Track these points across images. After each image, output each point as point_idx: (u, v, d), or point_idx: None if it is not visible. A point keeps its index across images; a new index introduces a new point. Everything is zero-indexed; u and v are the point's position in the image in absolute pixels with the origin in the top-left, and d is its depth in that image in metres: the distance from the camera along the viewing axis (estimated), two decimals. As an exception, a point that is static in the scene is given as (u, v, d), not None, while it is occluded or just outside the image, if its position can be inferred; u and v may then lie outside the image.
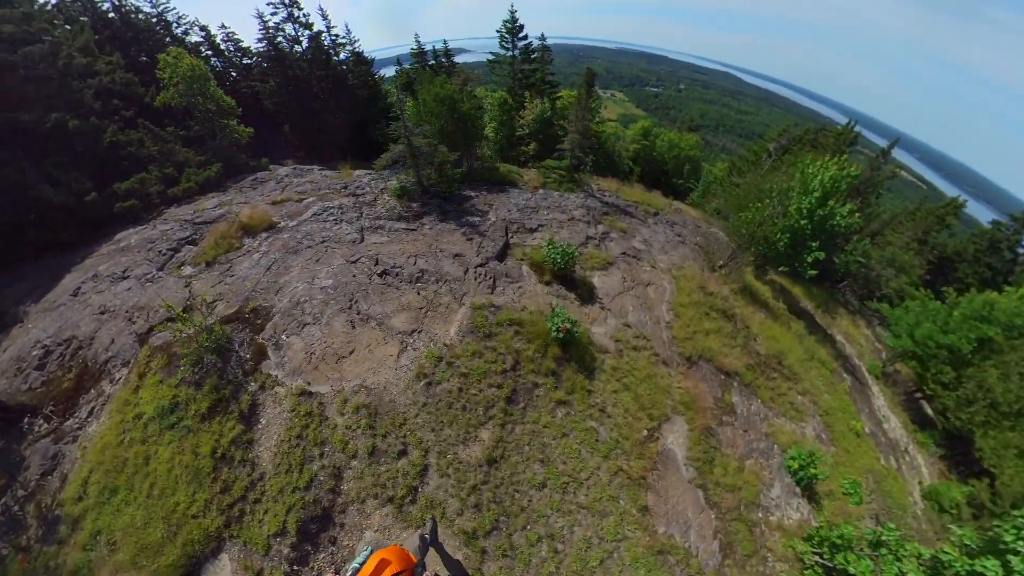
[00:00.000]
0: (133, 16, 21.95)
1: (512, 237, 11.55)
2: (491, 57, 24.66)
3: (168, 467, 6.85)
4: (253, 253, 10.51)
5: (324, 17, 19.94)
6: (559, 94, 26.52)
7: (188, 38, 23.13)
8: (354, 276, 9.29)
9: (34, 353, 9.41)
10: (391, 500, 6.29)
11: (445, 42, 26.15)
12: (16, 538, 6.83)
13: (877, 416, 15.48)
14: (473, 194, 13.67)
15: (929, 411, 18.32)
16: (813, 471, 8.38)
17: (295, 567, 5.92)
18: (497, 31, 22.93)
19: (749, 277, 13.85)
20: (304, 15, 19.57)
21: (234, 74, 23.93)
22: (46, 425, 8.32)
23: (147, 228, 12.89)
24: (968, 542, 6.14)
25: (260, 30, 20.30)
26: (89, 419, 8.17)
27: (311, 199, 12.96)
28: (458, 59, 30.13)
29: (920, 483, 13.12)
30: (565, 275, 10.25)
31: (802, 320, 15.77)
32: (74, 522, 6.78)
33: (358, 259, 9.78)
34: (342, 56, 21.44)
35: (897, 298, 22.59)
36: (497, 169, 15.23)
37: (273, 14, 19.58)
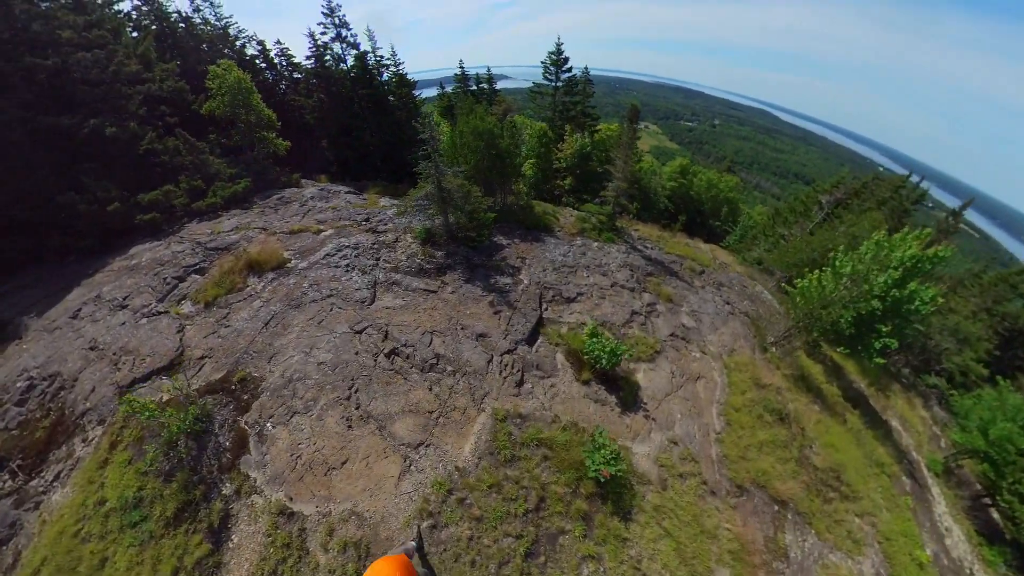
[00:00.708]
0: (199, 29, 22.00)
1: (546, 309, 9.79)
2: (533, 87, 23.35)
3: (124, 581, 5.36)
4: (255, 299, 9.20)
5: (371, 38, 19.28)
6: (598, 127, 25.01)
7: (246, 51, 23.00)
8: (357, 354, 7.71)
9: (19, 385, 8.35)
10: None
11: (488, 68, 25.13)
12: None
13: (939, 529, 12.67)
14: (505, 242, 11.92)
15: (998, 519, 15.17)
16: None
17: None
18: (542, 62, 21.68)
19: (803, 359, 11.63)
20: (352, 35, 18.91)
21: (283, 87, 23.63)
22: (11, 482, 7.19)
23: (162, 246, 11.95)
24: None
25: (310, 47, 19.84)
26: (55, 484, 7.01)
27: (329, 232, 11.68)
28: (499, 85, 29.19)
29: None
30: (607, 372, 8.36)
31: (858, 409, 13.31)
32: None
33: (365, 328, 8.20)
34: (384, 76, 20.61)
35: (959, 374, 19.33)
36: (532, 209, 13.53)
37: (323, 33, 19.06)
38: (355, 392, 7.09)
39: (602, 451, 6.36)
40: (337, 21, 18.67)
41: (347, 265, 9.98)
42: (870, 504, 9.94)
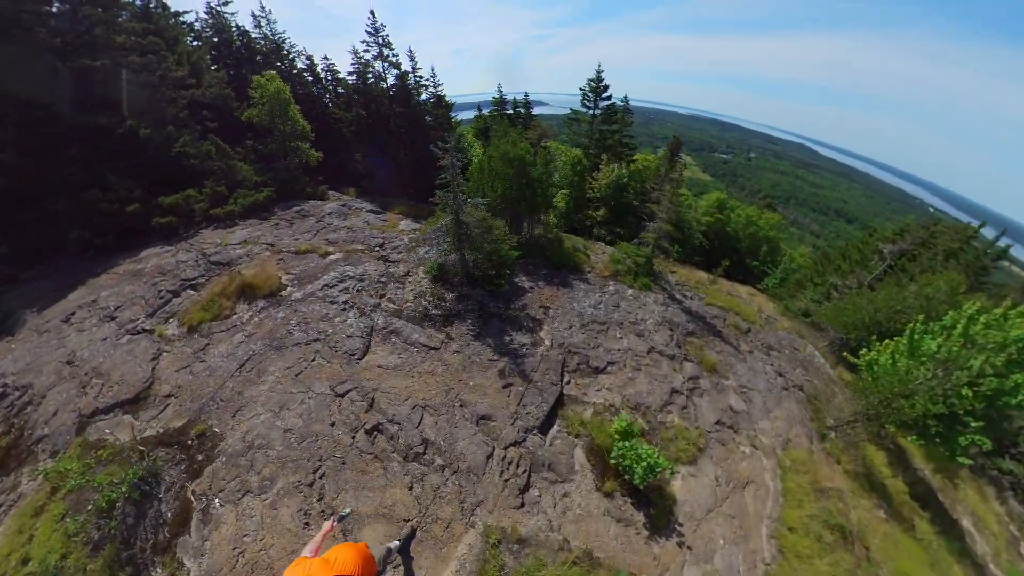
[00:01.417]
0: (256, 43, 22.37)
1: (568, 382, 7.71)
2: (570, 113, 22.15)
3: None
4: (238, 332, 8.00)
5: (411, 59, 18.78)
6: (634, 157, 23.48)
7: (296, 64, 23.18)
8: (333, 425, 6.22)
9: (-7, 391, 7.51)
10: None
11: (526, 93, 24.22)
12: None
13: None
14: (528, 284, 10.14)
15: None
16: None
17: None
18: (580, 89, 20.48)
19: (867, 448, 9.34)
20: (394, 55, 18.44)
21: (327, 101, 23.56)
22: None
23: (170, 252, 11.20)
24: None
25: (352, 64, 19.53)
26: (-8, 521, 5.90)
27: (336, 255, 10.52)
28: (536, 111, 28.33)
29: None
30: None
31: (927, 511, 10.77)
32: None
33: (348, 391, 6.69)
34: (423, 97, 20.00)
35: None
36: (561, 243, 11.89)
37: (366, 51, 18.73)
38: (321, 478, 5.56)
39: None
40: (380, 40, 18.29)
41: (345, 302, 8.59)
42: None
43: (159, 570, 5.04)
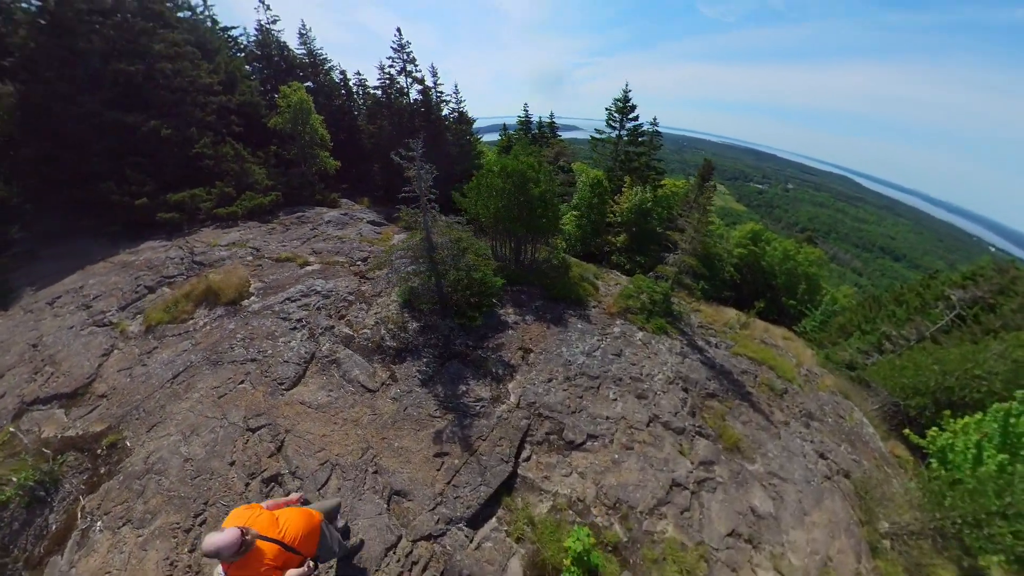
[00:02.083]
0: (297, 58, 22.94)
1: (529, 458, 5.62)
2: (595, 133, 20.83)
3: None
4: (186, 338, 7.26)
5: (434, 75, 18.36)
6: (662, 182, 21.74)
7: (331, 76, 23.50)
8: (232, 464, 5.11)
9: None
10: None
11: (552, 114, 23.23)
12: None
13: None
14: (513, 318, 8.28)
15: None
16: None
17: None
18: (606, 108, 19.17)
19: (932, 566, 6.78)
20: (417, 70, 18.09)
21: (356, 113, 23.65)
22: None
23: (165, 247, 10.95)
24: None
25: (379, 78, 19.37)
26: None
27: (314, 267, 9.63)
28: (568, 135, 27.42)
29: None
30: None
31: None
32: None
33: (260, 428, 5.57)
34: (444, 112, 19.43)
35: None
36: (566, 271, 10.15)
37: (391, 66, 18.47)
38: (200, 524, 4.55)
39: None
40: (405, 56, 18.02)
41: (299, 320, 7.51)
42: None
43: (23, 590, 4.03)
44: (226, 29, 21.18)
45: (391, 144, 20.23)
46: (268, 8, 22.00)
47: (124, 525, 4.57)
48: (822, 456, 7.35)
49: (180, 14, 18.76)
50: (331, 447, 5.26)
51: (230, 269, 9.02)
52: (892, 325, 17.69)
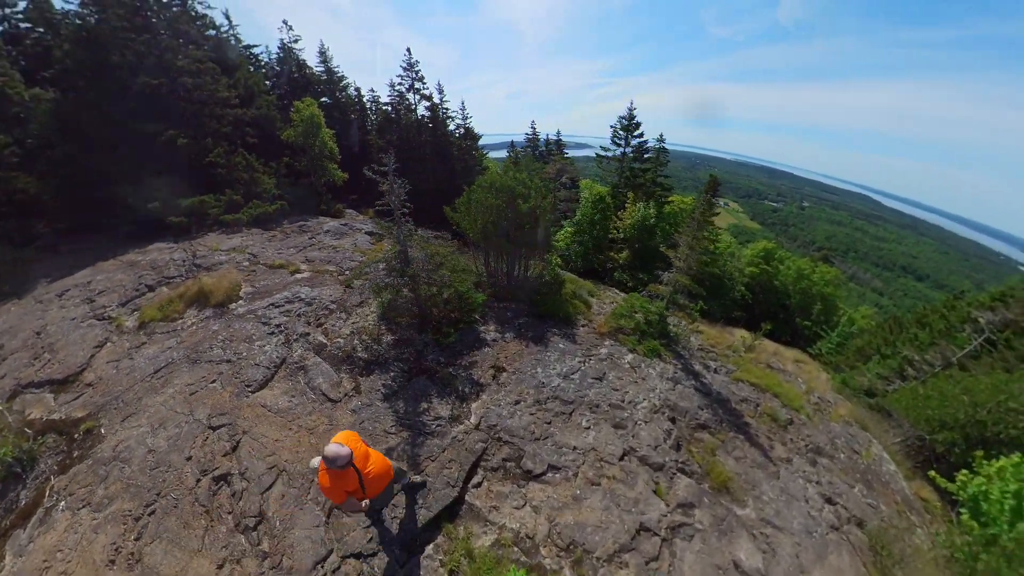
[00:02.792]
0: (314, 75, 23.60)
1: (479, 484, 5.11)
2: (599, 150, 20.47)
3: None
4: (174, 336, 7.41)
5: (440, 92, 18.62)
6: (669, 199, 21.11)
7: (347, 91, 24.04)
8: (189, 459, 5.04)
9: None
10: None
11: (558, 131, 23.08)
12: None
13: None
14: (492, 335, 7.78)
15: None
16: None
17: None
18: (611, 125, 18.85)
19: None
20: (425, 88, 18.32)
21: (369, 128, 24.04)
22: None
23: (171, 249, 11.25)
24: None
25: (389, 95, 19.72)
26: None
27: (304, 274, 9.61)
28: (578, 152, 27.26)
29: None
30: None
31: None
32: None
33: (221, 426, 5.51)
34: (451, 127, 19.52)
35: None
36: (559, 288, 9.60)
37: (400, 83, 18.81)
38: (150, 515, 4.49)
39: None
40: (414, 75, 18.27)
41: (278, 325, 7.44)
42: None
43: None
44: (249, 47, 22.06)
45: (398, 158, 20.49)
46: (290, 28, 22.94)
47: (83, 507, 4.63)
48: (829, 501, 6.45)
49: (209, 32, 19.62)
50: (282, 452, 5.10)
51: (223, 273, 9.17)
52: (914, 349, 16.23)
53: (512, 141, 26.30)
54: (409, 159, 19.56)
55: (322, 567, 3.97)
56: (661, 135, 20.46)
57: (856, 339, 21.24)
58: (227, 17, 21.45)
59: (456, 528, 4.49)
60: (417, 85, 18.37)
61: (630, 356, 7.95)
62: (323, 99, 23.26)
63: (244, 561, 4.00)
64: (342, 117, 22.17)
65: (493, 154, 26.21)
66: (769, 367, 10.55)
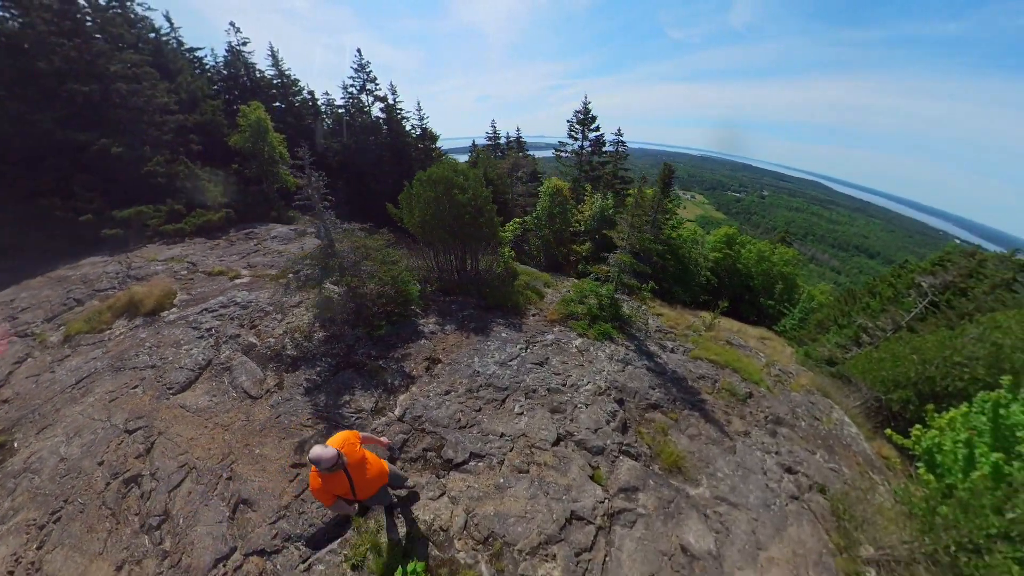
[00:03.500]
0: (266, 79, 22.33)
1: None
2: (557, 144, 20.21)
3: None
4: (99, 347, 7.00)
5: (393, 92, 17.94)
6: (630, 191, 21.06)
7: (301, 96, 22.84)
8: (101, 464, 4.82)
9: None
10: None
11: (518, 129, 22.73)
12: None
13: None
14: (431, 328, 7.42)
15: None
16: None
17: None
18: (568, 120, 18.60)
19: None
20: (378, 89, 17.52)
21: (323, 131, 22.91)
22: None
23: (106, 262, 10.52)
24: None
25: (342, 97, 18.83)
26: None
27: (244, 279, 9.21)
28: (543, 153, 26.90)
29: None
30: None
31: None
32: None
33: (137, 429, 5.19)
34: (407, 127, 18.78)
35: None
36: (511, 279, 9.18)
37: (352, 85, 17.92)
38: (56, 522, 4.24)
39: None
40: (365, 75, 17.45)
41: (209, 329, 7.11)
42: None
43: None
44: (192, 50, 20.67)
45: (355, 161, 19.56)
46: (238, 30, 21.67)
47: (-23, 522, 4.29)
48: (789, 470, 6.18)
49: (149, 35, 18.22)
50: (195, 450, 4.91)
51: (155, 282, 8.82)
52: (868, 317, 16.73)
53: (474, 141, 25.77)
54: (364, 161, 18.73)
55: (224, 565, 3.78)
56: (619, 129, 20.49)
57: (816, 314, 21.81)
58: (168, 19, 20.12)
59: (367, 522, 4.17)
60: (370, 86, 17.62)
61: (579, 340, 7.59)
62: (276, 104, 22.10)
63: (144, 562, 3.83)
64: (296, 122, 21.11)
65: (463, 157, 25.61)
66: (729, 344, 10.35)
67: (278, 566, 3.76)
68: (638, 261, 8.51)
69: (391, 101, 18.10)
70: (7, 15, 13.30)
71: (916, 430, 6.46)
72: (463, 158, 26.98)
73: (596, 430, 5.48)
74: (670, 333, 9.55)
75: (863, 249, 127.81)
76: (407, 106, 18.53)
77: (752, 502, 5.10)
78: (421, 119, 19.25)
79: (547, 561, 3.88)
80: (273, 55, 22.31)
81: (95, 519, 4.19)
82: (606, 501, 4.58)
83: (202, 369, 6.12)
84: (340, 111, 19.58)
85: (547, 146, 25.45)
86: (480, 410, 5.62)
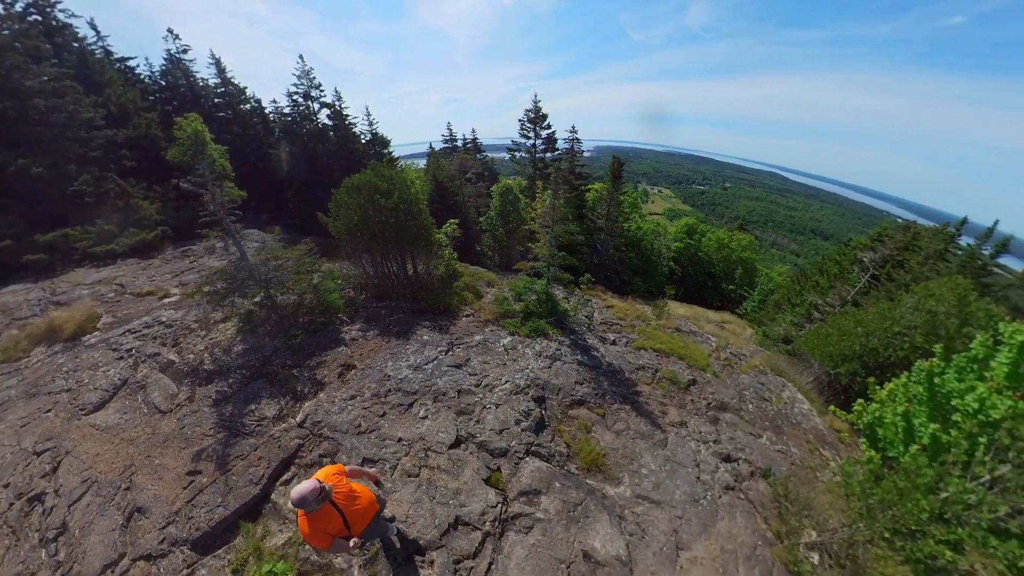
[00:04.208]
0: (209, 87, 20.86)
1: (289, 482, 4.56)
2: (510, 144, 19.79)
3: None
4: (13, 377, 6.71)
5: (338, 98, 17.06)
6: (589, 187, 20.93)
7: (245, 105, 21.48)
8: (5, 486, 4.80)
9: None
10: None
11: (473, 131, 22.17)
12: None
13: None
14: (353, 335, 7.23)
15: None
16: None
17: None
18: (519, 119, 18.23)
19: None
20: (323, 93, 16.60)
21: (271, 141, 21.63)
22: None
23: (29, 289, 9.86)
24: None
25: (287, 105, 17.73)
26: None
27: (173, 298, 9.01)
28: (503, 155, 26.36)
29: None
30: None
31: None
32: None
33: (46, 450, 5.19)
34: (356, 131, 17.90)
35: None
36: (450, 281, 8.80)
37: (295, 92, 16.97)
38: None
39: None
40: (309, 81, 16.54)
41: (129, 349, 6.98)
42: None
43: None
44: (123, 60, 19.11)
45: (302, 172, 18.53)
46: (177, 37, 20.22)
47: None
48: (727, 459, 5.89)
49: (74, 44, 16.67)
50: (99, 465, 4.90)
51: (77, 307, 8.53)
52: (818, 294, 17.25)
53: (431, 144, 25.06)
54: (312, 171, 17.72)
55: (112, 571, 3.78)
56: (573, 127, 20.46)
57: (774, 295, 22.24)
58: (94, 27, 18.56)
59: (256, 527, 4.16)
60: (314, 92, 16.68)
61: (508, 339, 7.26)
62: (222, 113, 20.71)
63: (39, 574, 3.83)
64: (243, 132, 19.84)
65: (422, 162, 24.84)
66: (679, 331, 10.16)
67: (163, 570, 3.77)
68: (565, 254, 8.26)
69: (338, 107, 17.21)
70: (-95, 28, 11.94)
71: (858, 405, 6.28)
72: (423, 163, 26.20)
73: (502, 431, 5.19)
74: (616, 324, 9.26)
75: (818, 232, 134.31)
76: (355, 111, 17.78)
77: (678, 498, 4.77)
78: (371, 123, 18.46)
79: (423, 568, 3.67)
80: (216, 62, 20.97)
81: (-8, 538, 4.13)
82: (499, 506, 4.28)
83: (117, 389, 6.05)
84: (287, 119, 18.50)
85: (509, 148, 24.99)
86: (384, 415, 5.42)
